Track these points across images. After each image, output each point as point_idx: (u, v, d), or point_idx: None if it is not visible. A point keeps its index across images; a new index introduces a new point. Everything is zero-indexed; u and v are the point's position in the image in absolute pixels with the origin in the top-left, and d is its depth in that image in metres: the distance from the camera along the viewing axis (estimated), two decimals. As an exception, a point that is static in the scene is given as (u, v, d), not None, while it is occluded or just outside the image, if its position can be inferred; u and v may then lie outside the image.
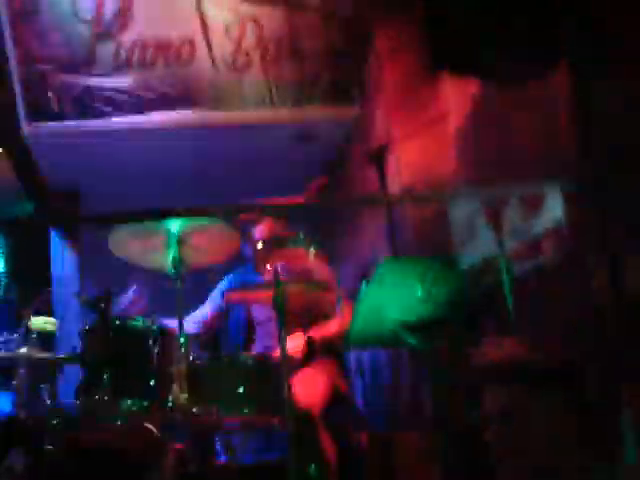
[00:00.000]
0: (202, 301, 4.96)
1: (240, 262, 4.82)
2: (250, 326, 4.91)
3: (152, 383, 3.76)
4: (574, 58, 3.47)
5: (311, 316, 4.67)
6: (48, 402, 4.10)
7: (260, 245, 4.70)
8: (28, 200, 8.08)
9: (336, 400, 4.54)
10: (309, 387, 4.34)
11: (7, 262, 9.21)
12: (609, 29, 3.34)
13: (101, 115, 5.85)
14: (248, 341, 4.87)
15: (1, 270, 9.30)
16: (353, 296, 4.07)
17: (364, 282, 3.39)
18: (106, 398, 3.69)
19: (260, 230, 4.64)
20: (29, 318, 4.82)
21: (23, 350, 4.36)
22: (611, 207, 3.27)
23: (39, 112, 5.85)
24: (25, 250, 8.86)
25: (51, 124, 5.89)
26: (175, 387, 3.73)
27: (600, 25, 3.38)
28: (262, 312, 4.77)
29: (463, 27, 3.42)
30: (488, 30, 3.37)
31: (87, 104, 5.81)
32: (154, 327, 3.85)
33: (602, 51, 3.38)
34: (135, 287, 4.38)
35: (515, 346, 2.20)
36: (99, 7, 5.47)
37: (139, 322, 3.87)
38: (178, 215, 3.60)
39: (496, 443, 2.02)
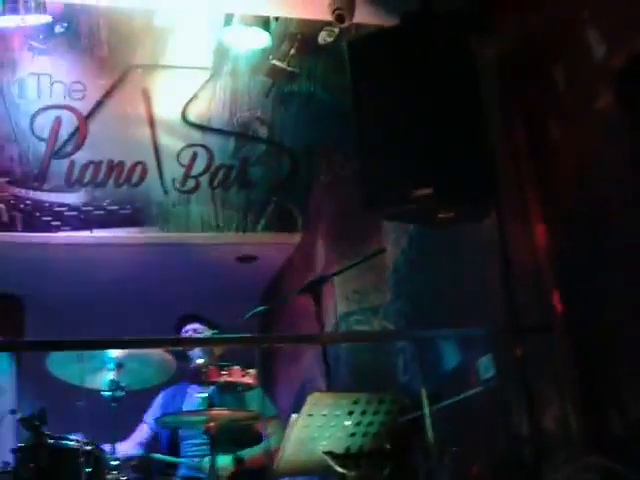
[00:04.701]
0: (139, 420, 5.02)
1: (175, 379, 4.88)
2: (174, 444, 4.95)
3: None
4: (503, 206, 3.69)
5: (242, 436, 4.73)
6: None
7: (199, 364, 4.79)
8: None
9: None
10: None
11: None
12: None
13: (49, 229, 5.97)
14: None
15: None
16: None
17: (294, 413, 3.49)
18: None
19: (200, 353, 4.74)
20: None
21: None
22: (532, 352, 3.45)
23: (-13, 221, 5.95)
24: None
25: (-1, 234, 6.00)
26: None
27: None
28: (188, 428, 4.82)
29: (397, 170, 3.57)
30: (422, 173, 3.52)
31: (36, 217, 5.93)
32: (87, 447, 3.90)
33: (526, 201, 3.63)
34: None
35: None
36: (56, 127, 5.63)
37: (72, 442, 3.92)
38: (121, 346, 3.71)
39: None
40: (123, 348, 3.83)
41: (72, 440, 3.96)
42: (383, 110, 3.60)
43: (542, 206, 3.55)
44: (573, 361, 3.33)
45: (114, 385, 3.93)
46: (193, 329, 4.96)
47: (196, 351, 4.75)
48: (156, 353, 4.06)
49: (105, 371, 3.98)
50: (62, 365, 4.03)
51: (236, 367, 4.11)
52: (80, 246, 6.16)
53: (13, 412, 4.05)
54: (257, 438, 4.75)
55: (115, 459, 3.83)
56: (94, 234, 6.01)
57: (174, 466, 4.75)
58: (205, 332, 4.92)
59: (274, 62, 5.38)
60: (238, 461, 4.57)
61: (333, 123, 5.43)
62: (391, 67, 3.58)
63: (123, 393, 3.96)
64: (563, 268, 3.42)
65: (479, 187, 3.54)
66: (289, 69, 5.41)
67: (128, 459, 4.05)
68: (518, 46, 3.73)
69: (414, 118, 3.54)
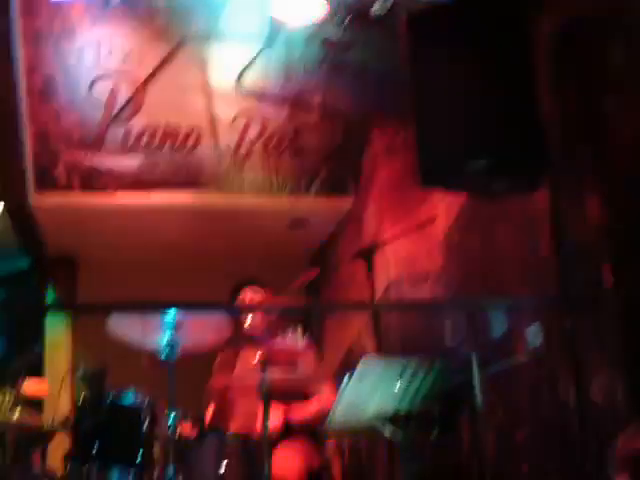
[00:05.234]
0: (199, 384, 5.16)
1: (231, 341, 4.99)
2: (228, 402, 5.08)
3: (139, 456, 3.94)
4: (555, 178, 3.74)
5: (293, 396, 4.85)
6: (39, 467, 4.28)
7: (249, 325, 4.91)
8: (24, 257, 8.29)
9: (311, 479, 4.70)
10: (286, 464, 4.52)
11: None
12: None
13: (106, 191, 6.15)
14: (227, 417, 5.04)
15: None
16: (336, 378, 4.26)
17: (346, 376, 3.59)
18: (96, 467, 3.88)
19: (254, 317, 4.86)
20: (21, 381, 4.97)
21: (15, 415, 4.53)
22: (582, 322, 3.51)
23: (47, 184, 6.13)
24: (19, 305, 8.98)
25: (58, 195, 6.19)
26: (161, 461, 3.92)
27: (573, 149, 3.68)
28: (240, 389, 4.95)
29: (451, 141, 3.63)
30: (476, 144, 3.58)
31: (94, 180, 6.12)
32: (145, 404, 4.04)
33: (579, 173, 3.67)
34: None
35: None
36: (113, 93, 5.78)
37: (131, 399, 4.07)
38: (175, 307, 3.83)
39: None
40: (181, 310, 3.94)
41: (130, 397, 4.11)
42: (439, 81, 3.67)
43: (595, 177, 3.58)
44: (621, 332, 3.38)
45: (171, 345, 4.04)
46: (249, 294, 5.06)
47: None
48: (213, 315, 4.17)
49: (163, 332, 4.08)
50: (123, 324, 4.14)
51: (290, 329, 4.22)
52: (134, 209, 6.34)
53: (75, 370, 4.18)
54: (307, 399, 4.88)
55: (171, 417, 3.96)
56: (149, 197, 6.15)
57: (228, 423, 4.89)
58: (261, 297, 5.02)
59: (328, 32, 5.44)
60: (287, 420, 4.70)
61: (386, 92, 5.48)
62: (448, 39, 3.64)
63: (179, 353, 4.07)
64: (614, 239, 3.45)
65: (532, 158, 3.59)
66: (342, 39, 5.46)
67: (183, 416, 4.19)
68: (573, 19, 3.74)
69: (469, 89, 3.60)
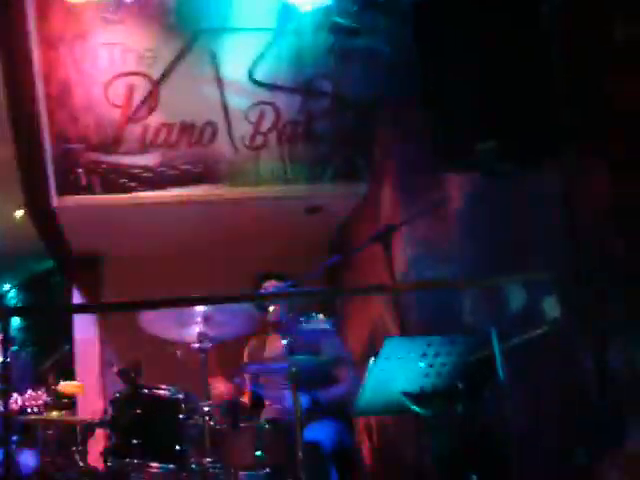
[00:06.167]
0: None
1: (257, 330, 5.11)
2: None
3: (177, 447, 4.08)
4: (564, 156, 3.82)
5: (320, 380, 4.97)
6: (80, 463, 4.42)
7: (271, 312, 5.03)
8: (49, 259, 8.44)
9: (343, 455, 4.83)
10: (318, 437, 4.65)
11: (25, 318, 9.44)
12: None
13: (126, 190, 6.23)
14: (259, 405, 5.19)
15: (17, 325, 9.54)
16: (361, 360, 4.36)
17: (372, 357, 3.69)
18: (136, 461, 4.01)
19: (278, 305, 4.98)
20: (55, 380, 5.11)
21: (54, 413, 4.68)
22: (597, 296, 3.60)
23: (68, 186, 6.23)
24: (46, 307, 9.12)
25: (79, 197, 6.27)
26: (198, 451, 4.05)
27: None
28: (270, 374, 5.08)
29: (463, 124, 3.72)
30: (488, 126, 3.67)
31: (113, 180, 6.20)
32: (180, 396, 4.17)
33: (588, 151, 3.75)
34: None
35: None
36: (129, 93, 5.89)
37: (166, 392, 4.20)
38: (198, 302, 3.93)
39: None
40: (207, 304, 4.04)
41: (165, 390, 4.24)
42: (447, 65, 3.76)
43: (603, 156, 3.65)
44: (635, 301, 3.46)
45: (202, 337, 4.16)
46: (272, 286, 5.17)
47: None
48: (240, 305, 4.28)
49: (193, 324, 4.20)
50: (153, 320, 4.25)
51: (314, 314, 4.34)
52: (155, 206, 6.42)
53: (111, 365, 4.31)
54: (334, 381, 5.01)
55: (206, 406, 4.08)
56: (169, 194, 6.25)
57: (260, 409, 5.03)
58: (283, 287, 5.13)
59: (336, 19, 5.52)
60: (315, 401, 4.81)
61: (396, 76, 5.55)
62: (455, 22, 3.73)
63: (210, 344, 4.19)
64: (623, 215, 3.53)
65: (541, 138, 3.68)
66: (351, 25, 5.54)
67: (217, 405, 4.32)
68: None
69: (477, 72, 3.69)
